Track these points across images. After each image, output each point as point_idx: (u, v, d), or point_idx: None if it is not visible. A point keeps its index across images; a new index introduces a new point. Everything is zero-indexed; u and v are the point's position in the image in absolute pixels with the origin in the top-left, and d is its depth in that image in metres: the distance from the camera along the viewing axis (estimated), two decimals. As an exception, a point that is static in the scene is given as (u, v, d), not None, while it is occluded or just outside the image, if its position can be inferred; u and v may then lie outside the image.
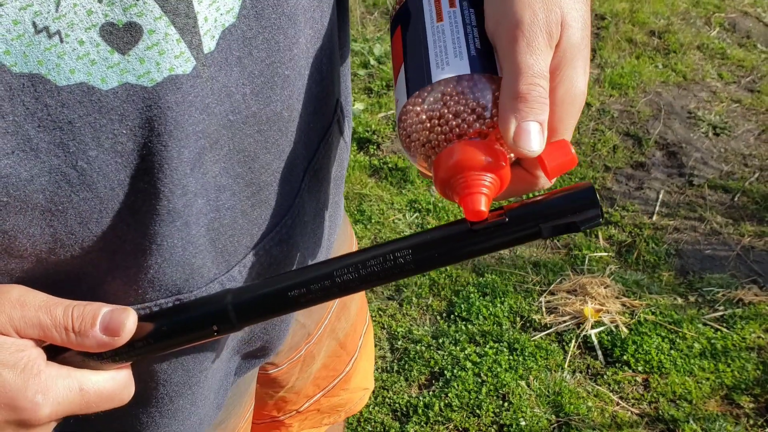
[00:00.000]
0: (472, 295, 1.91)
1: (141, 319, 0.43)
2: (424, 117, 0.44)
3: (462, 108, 0.43)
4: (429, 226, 2.11)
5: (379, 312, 1.91)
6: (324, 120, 0.56)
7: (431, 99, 0.44)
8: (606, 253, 2.05)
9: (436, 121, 0.44)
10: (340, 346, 0.85)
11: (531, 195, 0.45)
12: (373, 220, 2.16)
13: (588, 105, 2.59)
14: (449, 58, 0.44)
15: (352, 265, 0.43)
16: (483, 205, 0.41)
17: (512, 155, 0.44)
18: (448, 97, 0.43)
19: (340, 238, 0.80)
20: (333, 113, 0.58)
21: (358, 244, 2.05)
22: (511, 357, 1.76)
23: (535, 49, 0.41)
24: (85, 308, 0.41)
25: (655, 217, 2.16)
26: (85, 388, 0.42)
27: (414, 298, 1.93)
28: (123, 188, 0.41)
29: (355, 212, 2.20)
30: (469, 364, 1.74)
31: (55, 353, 0.43)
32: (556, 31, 0.41)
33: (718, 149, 2.42)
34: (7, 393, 0.39)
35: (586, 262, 2.01)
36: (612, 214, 2.17)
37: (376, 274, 0.43)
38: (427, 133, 0.44)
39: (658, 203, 2.21)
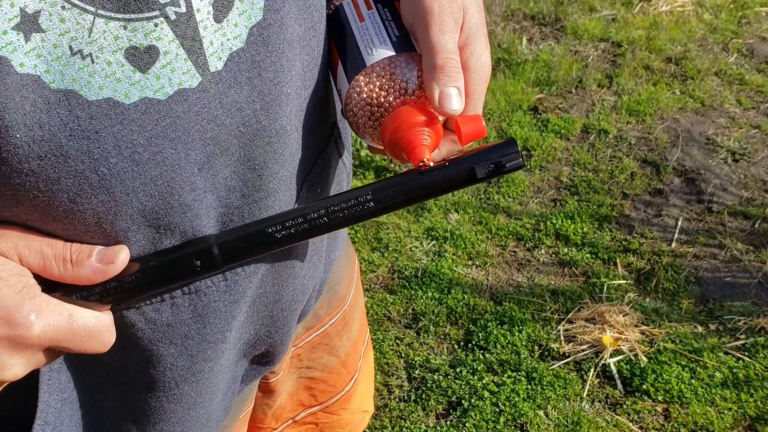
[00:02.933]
0: (489, 323, 1.91)
1: (131, 260, 0.47)
2: (365, 95, 0.53)
3: (394, 81, 0.53)
4: (447, 255, 2.13)
5: (397, 341, 1.91)
6: (320, 138, 0.61)
7: (368, 80, 0.53)
8: (624, 281, 2.03)
9: (375, 95, 0.53)
10: (341, 365, 0.87)
11: None
12: (390, 248, 2.17)
13: (605, 132, 2.59)
14: (376, 46, 0.54)
15: (323, 204, 0.50)
16: (426, 153, 0.50)
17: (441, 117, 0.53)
18: (382, 75, 0.53)
19: (342, 260, 0.83)
20: (330, 134, 0.64)
21: (375, 272, 2.07)
22: (529, 386, 1.75)
23: (445, 31, 0.51)
24: (83, 245, 0.46)
25: (674, 245, 2.15)
26: (74, 319, 0.45)
27: (431, 327, 1.93)
28: (136, 193, 0.46)
29: (372, 240, 2.21)
30: (486, 394, 1.73)
31: (48, 291, 0.46)
32: (459, 16, 0.52)
33: (737, 175, 2.40)
34: (4, 307, 0.42)
35: (605, 289, 2.00)
36: (630, 241, 2.16)
37: (342, 211, 0.50)
38: (370, 107, 0.53)
39: (677, 230, 2.20)
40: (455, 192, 2.37)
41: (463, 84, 0.51)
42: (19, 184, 0.42)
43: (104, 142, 0.43)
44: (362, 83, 0.54)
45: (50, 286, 0.46)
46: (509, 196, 2.35)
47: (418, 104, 0.52)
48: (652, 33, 3.13)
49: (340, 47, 0.57)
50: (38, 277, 0.46)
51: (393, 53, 0.54)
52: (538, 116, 2.70)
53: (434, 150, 0.53)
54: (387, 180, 0.51)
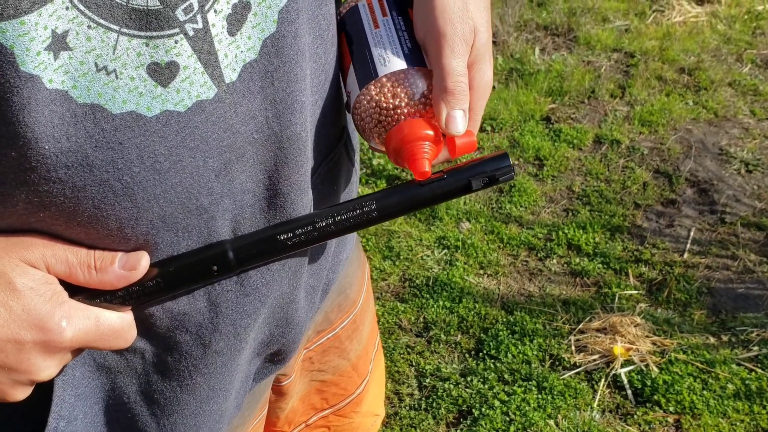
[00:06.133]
0: (501, 332, 1.91)
1: (152, 264, 0.50)
2: (374, 104, 0.56)
3: (403, 94, 0.55)
4: (458, 264, 2.14)
5: (408, 349, 1.92)
6: (330, 141, 0.64)
7: (379, 90, 0.55)
8: (636, 291, 2.03)
9: (384, 106, 0.55)
10: (352, 368, 0.89)
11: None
12: (401, 257, 2.18)
13: (618, 142, 2.59)
14: (389, 57, 0.56)
15: (330, 213, 0.53)
16: (427, 167, 0.53)
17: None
18: (392, 87, 0.55)
19: (353, 264, 0.84)
20: (339, 137, 0.66)
21: (386, 280, 2.08)
22: (539, 396, 1.75)
23: (457, 54, 0.54)
24: (105, 251, 0.49)
25: (686, 255, 2.14)
26: (101, 321, 0.49)
27: (442, 336, 1.94)
28: (157, 200, 0.48)
29: (384, 248, 2.22)
30: (497, 403, 1.73)
31: (73, 295, 0.49)
32: (470, 38, 0.54)
33: (750, 186, 2.39)
34: (38, 315, 0.45)
35: (616, 300, 2.00)
36: (642, 251, 2.16)
37: (348, 219, 0.53)
38: (378, 116, 0.56)
39: (689, 241, 2.19)
40: (467, 201, 2.38)
41: (468, 105, 0.55)
42: (47, 191, 0.44)
43: (128, 152, 0.45)
44: (373, 92, 0.56)
45: (74, 289, 0.49)
46: (521, 206, 2.36)
47: (423, 117, 0.55)
48: (665, 43, 3.13)
49: (353, 50, 0.59)
50: (63, 282, 0.48)
51: (405, 66, 0.56)
52: (551, 126, 2.71)
53: (434, 159, 0.56)
54: (389, 190, 0.55)
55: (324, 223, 0.53)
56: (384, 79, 0.56)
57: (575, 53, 3.13)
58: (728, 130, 2.66)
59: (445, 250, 2.20)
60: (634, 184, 2.41)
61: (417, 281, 2.10)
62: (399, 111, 0.55)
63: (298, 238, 0.53)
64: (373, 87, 0.56)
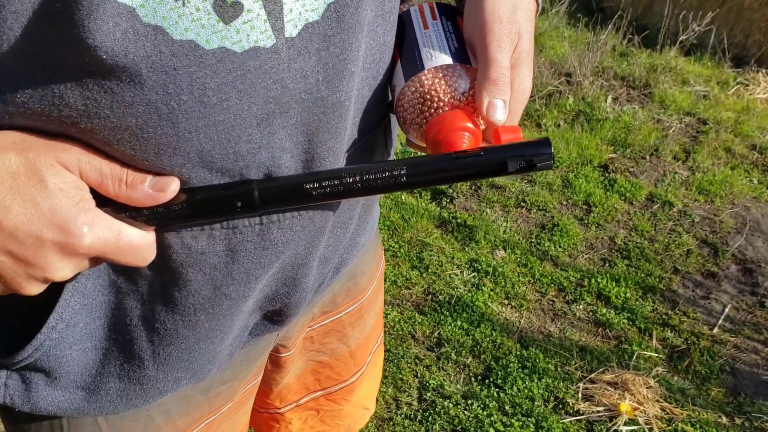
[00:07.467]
0: (511, 364, 1.90)
1: (181, 190, 0.51)
2: (418, 95, 0.58)
3: (447, 87, 0.57)
4: (484, 289, 2.13)
5: (416, 360, 1.92)
6: (372, 120, 0.65)
7: (423, 82, 0.58)
8: (656, 354, 1.99)
9: (428, 97, 0.57)
10: (349, 354, 0.90)
11: None
12: (430, 270, 2.18)
13: (670, 204, 2.55)
14: (436, 53, 0.59)
15: (358, 170, 0.53)
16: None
17: (482, 126, 0.57)
18: (437, 79, 0.58)
19: (369, 254, 0.85)
20: (381, 120, 0.68)
21: (410, 289, 2.08)
22: (536, 434, 1.73)
23: (502, 49, 0.56)
24: (137, 171, 0.50)
25: (716, 330, 2.09)
26: (122, 235, 0.50)
27: (453, 355, 1.93)
28: (198, 133, 0.49)
29: (414, 258, 2.23)
30: (491, 431, 1.72)
31: (100, 205, 0.50)
32: (515, 38, 0.57)
33: (798, 276, 2.32)
34: (62, 216, 0.47)
35: (634, 358, 1.96)
36: (671, 316, 2.11)
37: (375, 180, 0.53)
38: (421, 106, 0.58)
39: (723, 317, 2.14)
40: (506, 230, 2.37)
41: (509, 98, 0.56)
42: (95, 99, 0.46)
43: (180, 79, 0.46)
44: (417, 83, 0.58)
45: (103, 201, 0.50)
46: (560, 246, 2.34)
47: (464, 111, 0.57)
48: (742, 117, 3.06)
49: (401, 47, 0.62)
50: (93, 192, 0.50)
51: (451, 61, 0.58)
52: (607, 175, 2.68)
53: None
54: (422, 158, 0.55)
55: (351, 179, 0.53)
56: (429, 73, 0.58)
57: (647, 108, 3.09)
58: (788, 215, 2.59)
59: (475, 273, 2.20)
60: (677, 249, 2.37)
61: (440, 297, 2.10)
62: (441, 103, 0.57)
63: (324, 189, 0.54)
64: (418, 78, 0.58)
